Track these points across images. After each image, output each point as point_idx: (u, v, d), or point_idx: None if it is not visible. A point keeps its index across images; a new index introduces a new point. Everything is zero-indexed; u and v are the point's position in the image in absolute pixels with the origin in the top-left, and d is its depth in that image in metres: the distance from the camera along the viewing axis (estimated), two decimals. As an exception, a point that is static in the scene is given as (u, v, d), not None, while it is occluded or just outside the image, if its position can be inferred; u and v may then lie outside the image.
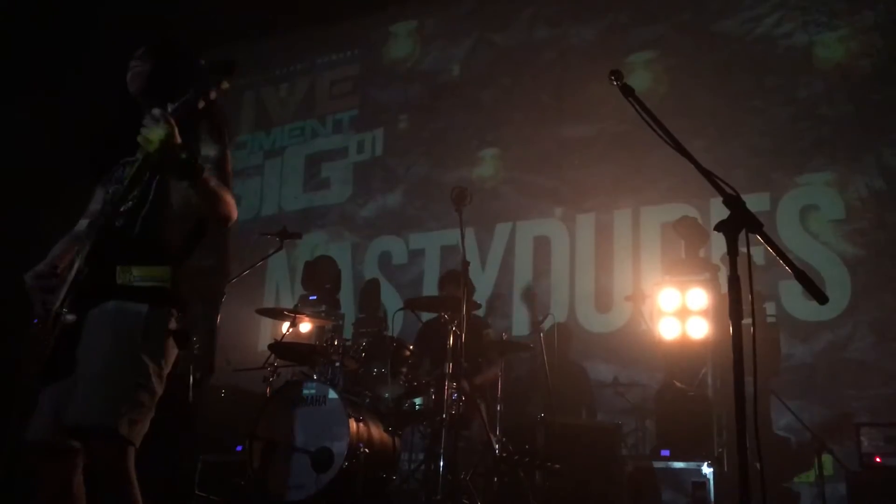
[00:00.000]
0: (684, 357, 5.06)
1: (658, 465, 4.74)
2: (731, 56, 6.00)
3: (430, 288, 6.62)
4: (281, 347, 5.11)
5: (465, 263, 4.65)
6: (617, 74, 2.42)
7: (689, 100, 5.92)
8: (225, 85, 2.26)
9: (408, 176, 7.13)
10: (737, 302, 2.02)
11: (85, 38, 7.19)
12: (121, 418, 2.17)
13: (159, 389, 2.31)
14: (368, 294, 6.80)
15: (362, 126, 7.46)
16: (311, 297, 6.36)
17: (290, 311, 5.23)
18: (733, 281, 2.02)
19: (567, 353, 5.68)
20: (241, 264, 5.53)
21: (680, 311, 5.14)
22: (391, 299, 6.76)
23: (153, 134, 2.18)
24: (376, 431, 4.58)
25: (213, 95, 2.26)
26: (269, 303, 6.82)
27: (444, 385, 4.62)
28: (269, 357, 5.21)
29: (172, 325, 2.33)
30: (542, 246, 6.40)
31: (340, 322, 6.25)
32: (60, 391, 2.28)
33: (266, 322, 5.82)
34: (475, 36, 7.15)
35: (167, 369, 2.34)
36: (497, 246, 6.55)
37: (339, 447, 4.31)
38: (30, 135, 6.34)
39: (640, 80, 5.99)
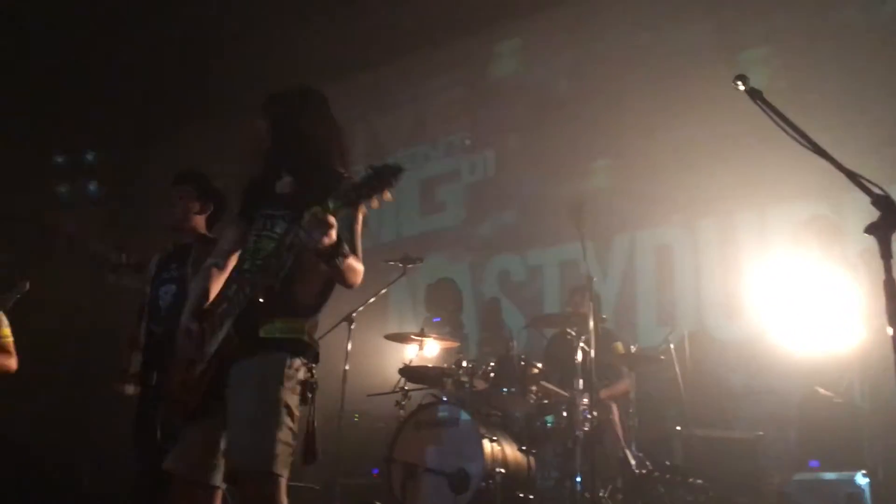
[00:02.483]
0: (826, 363, 4.82)
1: (806, 476, 4.52)
2: (853, 43, 5.71)
3: (551, 303, 6.59)
4: (411, 371, 5.20)
5: (589, 278, 4.61)
6: (743, 79, 2.37)
7: (809, 93, 5.67)
8: (388, 196, 2.23)
9: (521, 193, 7.14)
10: (894, 308, 1.92)
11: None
12: (274, 459, 2.39)
13: (296, 429, 2.51)
14: (490, 313, 6.84)
15: (473, 147, 7.54)
16: (434, 320, 6.44)
17: (416, 334, 5.32)
18: (889, 286, 1.93)
19: (699, 363, 5.50)
20: (364, 292, 5.68)
21: (818, 315, 4.91)
22: (513, 317, 6.77)
23: (317, 237, 2.27)
24: (511, 451, 4.59)
25: (375, 205, 2.27)
26: (393, 328, 6.95)
27: (576, 402, 4.59)
28: (398, 381, 5.32)
29: (305, 375, 2.54)
30: (663, 255, 6.26)
31: (465, 343, 6.31)
32: (202, 430, 2.55)
33: (392, 346, 5.93)
34: (578, 48, 7.12)
35: (297, 416, 2.52)
36: (617, 258, 6.46)
37: (475, 468, 4.34)
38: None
39: (755, 78, 5.77)
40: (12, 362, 4.63)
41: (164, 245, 3.91)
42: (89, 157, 8.20)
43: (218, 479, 2.54)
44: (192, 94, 8.27)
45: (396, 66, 8.12)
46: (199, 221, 3.80)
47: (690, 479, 4.33)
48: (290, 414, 2.46)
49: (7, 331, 4.65)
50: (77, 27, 7.32)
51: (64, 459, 6.72)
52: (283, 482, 2.41)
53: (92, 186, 8.15)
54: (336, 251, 2.37)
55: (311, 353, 2.58)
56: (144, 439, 3.38)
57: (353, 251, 2.53)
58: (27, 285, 4.58)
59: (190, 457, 2.56)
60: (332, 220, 2.27)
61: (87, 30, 7.39)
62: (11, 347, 4.64)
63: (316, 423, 2.56)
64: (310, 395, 2.53)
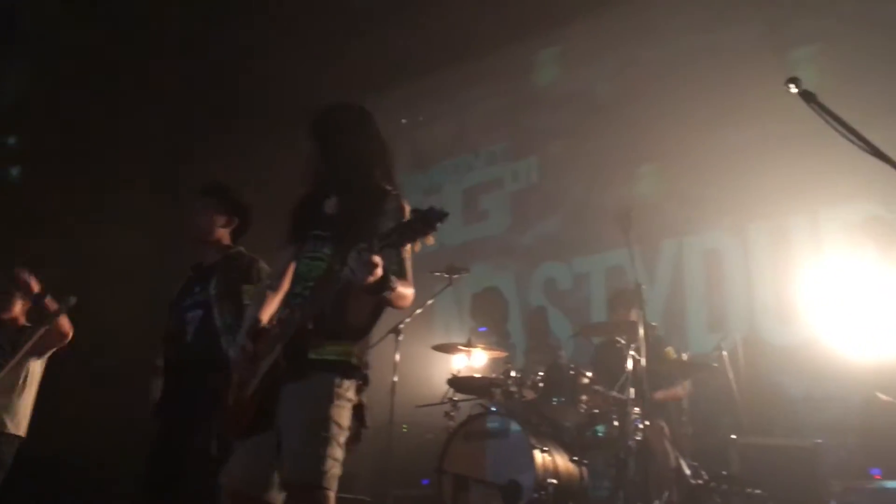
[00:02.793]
0: (887, 367, 4.69)
1: (867, 485, 4.39)
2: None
3: (598, 311, 6.52)
4: (459, 381, 5.18)
5: (638, 285, 4.55)
6: (795, 81, 2.33)
7: (861, 89, 5.52)
8: (431, 240, 2.24)
9: (565, 200, 7.09)
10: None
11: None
12: (323, 474, 2.45)
13: (344, 447, 2.55)
14: (537, 322, 6.79)
15: (516, 155, 7.52)
16: (480, 329, 6.43)
17: (463, 345, 5.31)
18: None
19: (753, 370, 5.39)
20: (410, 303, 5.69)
21: (876, 318, 4.78)
22: (560, 326, 6.72)
23: (362, 277, 2.28)
24: (562, 461, 4.55)
25: (417, 248, 2.29)
26: (439, 338, 6.94)
27: (627, 411, 4.53)
28: (446, 391, 5.30)
29: (354, 396, 2.60)
30: (712, 260, 6.16)
31: (512, 352, 6.27)
32: (255, 446, 2.60)
33: (439, 357, 5.92)
34: (622, 53, 7.06)
35: (346, 434, 2.56)
36: (665, 263, 6.37)
37: (527, 479, 4.31)
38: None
39: (805, 76, 5.64)
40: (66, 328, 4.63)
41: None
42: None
43: (270, 494, 2.57)
44: (227, 109, 8.40)
45: (437, 77, 8.14)
46: (224, 235, 3.71)
47: (748, 489, 4.23)
48: (340, 431, 2.51)
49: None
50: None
51: (107, 474, 6.83)
52: (332, 495, 2.47)
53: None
54: (383, 286, 2.38)
55: (360, 375, 2.62)
56: (157, 471, 3.35)
57: (402, 276, 2.53)
58: (73, 300, 4.58)
59: (243, 472, 2.61)
60: (376, 259, 2.28)
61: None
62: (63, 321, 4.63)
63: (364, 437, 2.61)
64: (363, 417, 2.60)
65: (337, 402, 2.52)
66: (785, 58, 5.94)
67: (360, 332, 2.66)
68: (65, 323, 4.63)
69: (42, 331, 4.55)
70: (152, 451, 3.43)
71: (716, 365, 4.93)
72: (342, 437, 2.52)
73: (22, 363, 4.60)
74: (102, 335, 6.71)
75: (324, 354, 2.56)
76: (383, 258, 2.31)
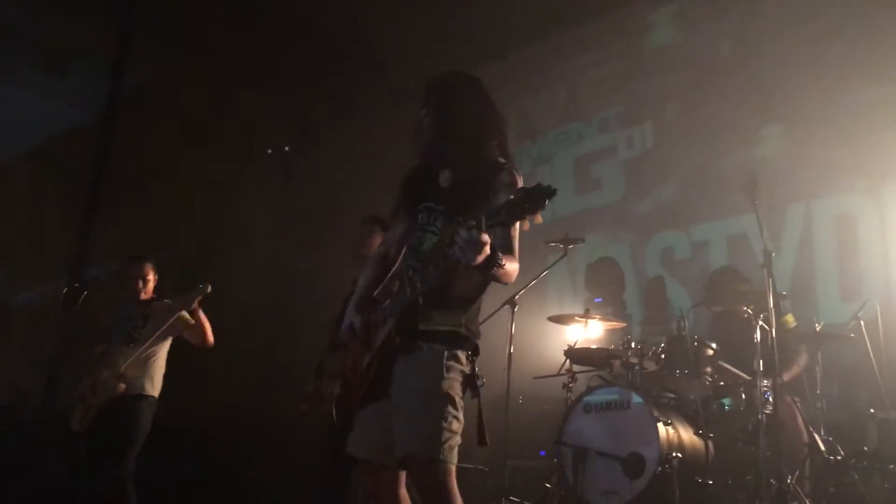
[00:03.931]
0: None
1: None
2: None
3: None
4: (576, 353, 5.12)
5: (768, 253, 4.33)
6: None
7: None
8: (539, 219, 2.23)
9: (682, 166, 6.83)
10: None
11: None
12: (442, 446, 2.47)
13: (462, 418, 2.56)
14: (653, 292, 6.61)
15: (629, 121, 7.28)
16: (596, 300, 6.32)
17: (581, 315, 5.23)
18: None
19: (894, 340, 5.06)
20: (526, 274, 5.62)
21: None
22: (678, 296, 6.50)
23: (471, 256, 2.30)
24: (686, 435, 4.43)
25: (526, 227, 2.27)
26: (553, 309, 6.87)
27: (755, 383, 4.35)
28: (564, 362, 5.24)
29: (466, 366, 2.60)
30: (844, 224, 5.80)
31: (629, 323, 6.13)
32: (374, 414, 2.65)
33: (554, 328, 5.86)
34: (742, 8, 6.70)
35: (461, 404, 2.58)
36: (791, 229, 6.05)
37: (650, 452, 4.22)
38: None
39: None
40: (207, 331, 4.90)
41: None
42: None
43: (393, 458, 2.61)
44: (341, 85, 8.52)
45: (546, 44, 7.97)
46: None
47: (891, 466, 3.98)
48: (454, 403, 2.53)
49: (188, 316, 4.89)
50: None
51: (248, 452, 7.15)
52: (452, 468, 2.48)
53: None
54: (490, 264, 2.38)
55: (468, 345, 2.63)
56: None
57: (509, 251, 2.52)
58: (209, 288, 4.81)
59: (367, 440, 2.67)
60: (485, 237, 2.27)
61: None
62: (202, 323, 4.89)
63: (483, 409, 2.61)
64: (475, 387, 2.60)
65: (448, 375, 2.54)
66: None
67: (468, 302, 2.67)
68: (199, 331, 4.88)
69: (173, 318, 4.80)
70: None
71: (853, 335, 4.65)
72: (457, 409, 2.53)
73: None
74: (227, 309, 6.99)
75: (433, 325, 2.58)
76: (491, 235, 2.30)
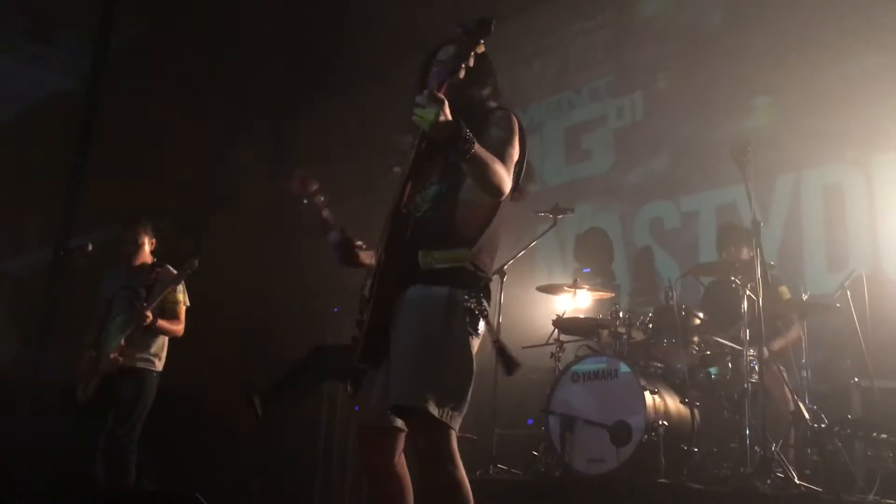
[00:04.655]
0: None
1: None
2: None
3: (708, 251, 6.29)
4: (565, 322, 5.14)
5: (756, 223, 4.34)
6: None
7: None
8: (481, 48, 2.38)
9: (672, 136, 6.82)
10: None
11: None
12: (428, 401, 2.27)
13: (471, 369, 2.37)
14: (642, 263, 6.63)
15: (620, 91, 7.24)
16: (584, 270, 6.33)
17: (569, 286, 5.24)
18: None
19: (878, 311, 5.11)
20: (514, 244, 5.64)
21: None
22: (666, 266, 6.52)
23: (426, 113, 2.27)
24: (673, 403, 4.47)
25: (472, 61, 2.38)
26: (542, 279, 6.88)
27: (742, 352, 4.39)
28: (552, 332, 5.27)
29: (472, 304, 2.39)
30: (833, 195, 5.82)
31: (617, 293, 6.16)
32: (379, 373, 2.48)
33: (543, 298, 5.88)
34: (734, -23, 6.66)
35: (475, 348, 2.40)
36: (780, 200, 6.06)
37: (637, 421, 4.26)
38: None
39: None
40: (179, 328, 4.98)
41: None
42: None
43: (397, 420, 2.47)
44: (334, 58, 8.43)
45: (537, 12, 7.90)
46: None
47: (874, 434, 4.04)
48: (455, 355, 2.35)
49: (181, 296, 4.99)
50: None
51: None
52: (450, 433, 2.32)
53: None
54: (456, 133, 2.28)
55: (476, 281, 2.44)
56: None
57: (501, 157, 2.44)
58: (196, 263, 4.86)
59: (370, 404, 2.52)
60: (438, 96, 2.29)
61: None
62: (181, 314, 4.97)
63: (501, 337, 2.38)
64: (482, 323, 2.40)
65: (450, 320, 2.34)
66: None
67: (472, 238, 2.47)
68: (177, 327, 4.91)
69: (167, 292, 4.89)
70: None
71: (839, 305, 4.68)
72: (461, 362, 2.35)
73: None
74: (222, 282, 6.99)
75: (434, 263, 2.40)
76: (476, 136, 2.32)
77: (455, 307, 2.36)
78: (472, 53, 2.41)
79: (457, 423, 2.34)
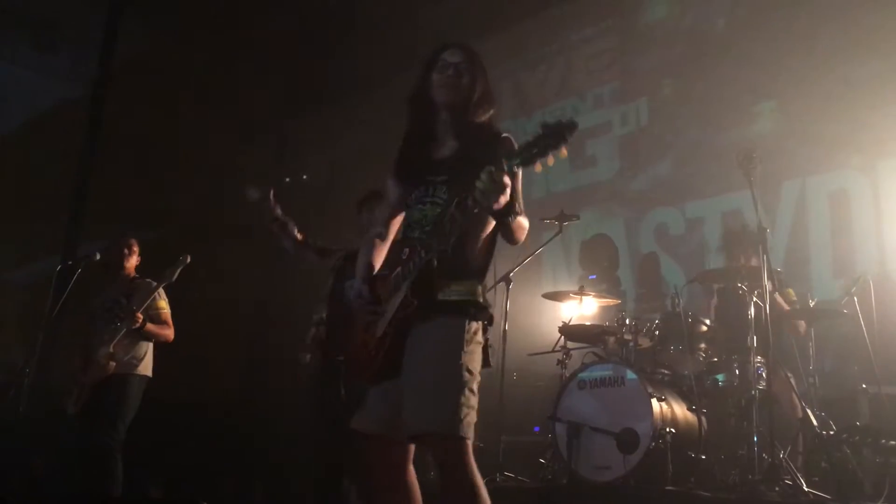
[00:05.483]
0: None
1: None
2: None
3: (714, 257, 6.29)
4: (571, 329, 5.13)
5: (763, 229, 4.33)
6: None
7: None
8: (564, 152, 2.20)
9: (677, 142, 6.82)
10: None
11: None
12: (459, 423, 2.39)
13: (477, 392, 2.49)
14: (648, 269, 6.61)
15: (624, 97, 7.25)
16: (590, 277, 6.31)
17: (575, 292, 5.24)
18: None
19: (885, 317, 5.10)
20: (520, 251, 5.62)
21: None
22: (672, 272, 6.51)
23: (494, 196, 2.27)
24: (680, 410, 4.46)
25: (550, 161, 2.24)
26: (548, 286, 6.87)
27: (749, 359, 4.38)
28: (558, 339, 5.26)
29: (482, 337, 2.54)
30: (839, 200, 5.81)
31: (623, 300, 6.14)
32: (387, 390, 2.56)
33: (549, 305, 5.87)
34: (738, -18, 6.66)
35: (478, 378, 2.52)
36: (786, 206, 6.06)
37: (644, 428, 4.25)
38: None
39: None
40: (169, 333, 5.04)
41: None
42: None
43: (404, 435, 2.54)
44: (337, 63, 8.45)
45: (540, 19, 7.91)
46: None
47: (883, 441, 4.02)
48: (472, 377, 2.46)
49: (164, 303, 5.06)
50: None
51: (243, 429, 7.19)
52: (469, 444, 2.42)
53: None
54: (510, 209, 2.36)
55: (486, 315, 2.57)
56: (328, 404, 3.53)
57: (523, 210, 2.52)
58: (188, 259, 4.91)
59: (377, 416, 2.58)
60: (507, 179, 2.26)
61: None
62: (168, 319, 5.03)
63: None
64: (488, 357, 2.55)
65: (468, 348, 2.46)
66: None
67: (481, 270, 2.62)
68: (167, 332, 4.97)
69: (154, 293, 4.95)
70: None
71: (846, 311, 4.67)
72: (474, 383, 2.47)
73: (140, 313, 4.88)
74: (218, 282, 7.00)
75: (450, 295, 2.51)
76: (488, 160, 2.30)
77: (471, 339, 2.49)
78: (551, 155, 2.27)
79: (471, 433, 2.45)
